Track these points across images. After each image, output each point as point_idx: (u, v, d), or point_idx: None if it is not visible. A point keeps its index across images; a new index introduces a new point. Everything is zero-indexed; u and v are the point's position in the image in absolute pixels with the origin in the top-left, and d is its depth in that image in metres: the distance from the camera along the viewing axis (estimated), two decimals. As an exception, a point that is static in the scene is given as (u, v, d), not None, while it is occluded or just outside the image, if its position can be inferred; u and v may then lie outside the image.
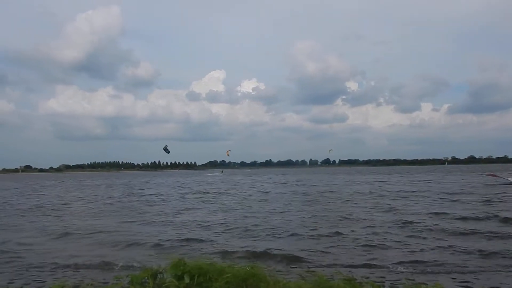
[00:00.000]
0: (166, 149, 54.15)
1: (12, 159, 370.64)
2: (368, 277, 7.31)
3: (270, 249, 10.25)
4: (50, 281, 7.87)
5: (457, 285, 7.35)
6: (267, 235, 12.67)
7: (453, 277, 7.84)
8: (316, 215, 16.90)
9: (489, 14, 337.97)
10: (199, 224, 15.25)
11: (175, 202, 25.08)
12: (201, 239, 12.05)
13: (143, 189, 42.56)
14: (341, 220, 15.43)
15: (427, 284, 6.61)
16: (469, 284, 7.37)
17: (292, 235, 12.53)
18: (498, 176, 38.53)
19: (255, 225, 14.57)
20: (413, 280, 7.43)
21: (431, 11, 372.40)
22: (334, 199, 24.56)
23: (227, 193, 32.90)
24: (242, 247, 10.72)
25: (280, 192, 31.68)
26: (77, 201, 28.17)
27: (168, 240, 11.96)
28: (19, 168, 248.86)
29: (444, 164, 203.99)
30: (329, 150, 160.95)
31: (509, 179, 37.42)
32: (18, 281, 8.22)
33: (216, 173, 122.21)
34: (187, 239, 12.00)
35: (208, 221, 15.87)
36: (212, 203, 23.82)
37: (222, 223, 15.31)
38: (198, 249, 10.71)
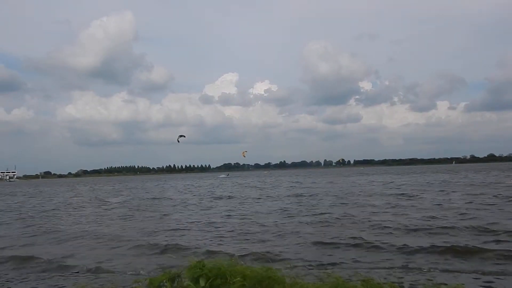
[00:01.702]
0: (180, 137, 56.46)
1: (32, 166, 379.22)
2: (386, 278, 7.23)
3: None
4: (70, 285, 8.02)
5: (480, 285, 7.22)
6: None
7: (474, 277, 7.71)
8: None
9: (506, 8, 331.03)
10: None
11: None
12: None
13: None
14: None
15: (447, 284, 6.52)
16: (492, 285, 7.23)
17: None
18: None
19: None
20: (432, 280, 7.33)
21: (446, 7, 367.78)
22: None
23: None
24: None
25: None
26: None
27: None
28: (39, 174, 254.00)
29: (452, 163, 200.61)
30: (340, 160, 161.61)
31: None
32: (42, 285, 8.41)
33: (223, 175, 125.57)
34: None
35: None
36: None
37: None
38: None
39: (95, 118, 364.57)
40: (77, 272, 9.35)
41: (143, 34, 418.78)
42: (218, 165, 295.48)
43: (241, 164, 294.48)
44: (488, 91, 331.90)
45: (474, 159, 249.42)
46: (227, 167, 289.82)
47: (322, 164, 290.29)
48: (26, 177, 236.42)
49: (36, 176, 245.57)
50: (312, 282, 5.74)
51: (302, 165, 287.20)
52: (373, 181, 51.43)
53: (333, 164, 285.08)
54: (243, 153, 71.37)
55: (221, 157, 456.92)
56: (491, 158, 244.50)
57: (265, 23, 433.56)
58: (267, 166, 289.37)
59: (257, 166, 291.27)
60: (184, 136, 58.55)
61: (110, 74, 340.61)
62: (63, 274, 9.21)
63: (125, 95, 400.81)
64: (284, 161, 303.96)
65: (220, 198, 31.25)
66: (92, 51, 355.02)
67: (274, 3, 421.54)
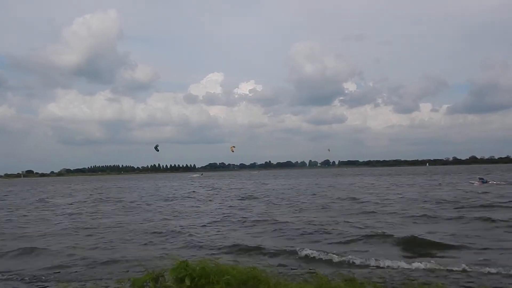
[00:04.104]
0: (156, 148, 60.26)
1: (13, 164, 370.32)
2: (368, 277, 7.32)
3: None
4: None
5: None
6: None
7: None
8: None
9: (489, 12, 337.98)
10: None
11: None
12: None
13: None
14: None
15: (429, 284, 6.63)
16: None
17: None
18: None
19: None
20: (415, 280, 7.45)
21: (433, 10, 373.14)
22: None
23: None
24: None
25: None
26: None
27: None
28: (20, 173, 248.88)
29: (426, 165, 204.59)
30: (328, 150, 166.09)
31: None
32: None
33: (196, 175, 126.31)
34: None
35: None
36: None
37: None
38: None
39: (78, 117, 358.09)
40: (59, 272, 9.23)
41: (128, 33, 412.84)
42: (204, 165, 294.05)
43: (226, 164, 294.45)
44: (471, 93, 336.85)
45: (456, 161, 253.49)
46: (212, 167, 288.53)
47: (308, 164, 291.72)
48: (7, 176, 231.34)
49: (18, 175, 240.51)
50: (296, 282, 5.78)
51: (288, 165, 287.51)
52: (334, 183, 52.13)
53: (318, 164, 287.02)
54: (231, 147, 70.54)
55: (207, 157, 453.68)
56: (473, 160, 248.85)
57: (252, 23, 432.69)
58: (253, 166, 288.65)
59: (242, 166, 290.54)
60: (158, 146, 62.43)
61: (93, 72, 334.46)
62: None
63: (109, 94, 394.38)
64: (269, 161, 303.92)
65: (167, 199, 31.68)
66: (76, 49, 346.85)
67: (262, 4, 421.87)
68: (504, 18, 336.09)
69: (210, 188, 46.95)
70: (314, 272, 6.46)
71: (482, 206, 19.33)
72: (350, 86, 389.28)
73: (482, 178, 39.08)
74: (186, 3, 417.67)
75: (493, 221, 14.22)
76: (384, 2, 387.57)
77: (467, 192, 28.73)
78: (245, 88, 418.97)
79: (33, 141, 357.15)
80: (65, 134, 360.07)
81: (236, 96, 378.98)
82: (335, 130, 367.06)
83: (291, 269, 8.57)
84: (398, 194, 28.55)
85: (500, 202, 20.61)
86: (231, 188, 45.86)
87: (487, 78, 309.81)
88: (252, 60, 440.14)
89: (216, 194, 35.35)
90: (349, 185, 43.77)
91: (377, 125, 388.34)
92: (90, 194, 41.25)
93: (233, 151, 71.19)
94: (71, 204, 29.42)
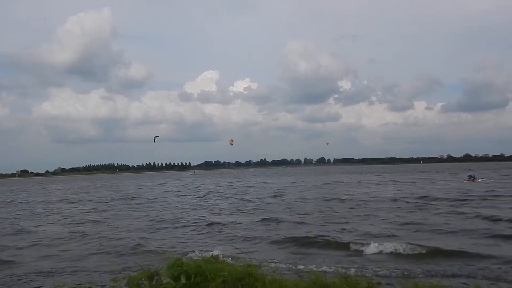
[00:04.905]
0: (154, 140, 62.23)
1: (8, 164, 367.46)
2: (363, 275, 7.36)
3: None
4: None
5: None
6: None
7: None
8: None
9: (485, 14, 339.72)
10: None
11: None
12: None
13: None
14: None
15: (423, 282, 6.67)
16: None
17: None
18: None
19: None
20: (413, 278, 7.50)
21: (428, 11, 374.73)
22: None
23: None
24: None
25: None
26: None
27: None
28: (15, 172, 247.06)
29: (420, 162, 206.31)
30: (326, 143, 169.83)
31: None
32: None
33: (189, 173, 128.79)
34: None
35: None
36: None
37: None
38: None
39: (73, 115, 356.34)
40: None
41: (122, 31, 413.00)
42: (199, 163, 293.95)
43: (221, 162, 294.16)
44: (464, 92, 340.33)
45: (450, 159, 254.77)
46: (207, 165, 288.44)
47: (303, 162, 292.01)
48: (2, 175, 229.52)
49: (13, 175, 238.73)
50: (291, 280, 5.80)
51: (283, 163, 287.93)
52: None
53: (313, 162, 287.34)
54: (230, 141, 70.53)
55: (202, 155, 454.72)
56: (467, 158, 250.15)
57: (248, 21, 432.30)
58: (248, 164, 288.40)
59: (237, 164, 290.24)
60: (159, 136, 62.83)
61: (88, 71, 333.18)
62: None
63: (103, 92, 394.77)
64: (265, 159, 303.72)
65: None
66: (70, 48, 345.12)
67: (257, 2, 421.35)
68: (498, 20, 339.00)
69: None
70: (310, 269, 6.48)
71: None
72: (344, 84, 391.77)
73: (471, 175, 40.23)
74: (180, 2, 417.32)
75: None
76: (379, 3, 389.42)
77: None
78: (240, 86, 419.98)
79: (28, 140, 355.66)
80: (59, 133, 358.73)
81: (231, 94, 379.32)
82: (329, 128, 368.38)
83: (288, 265, 8.60)
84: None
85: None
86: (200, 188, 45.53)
87: (480, 77, 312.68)
88: (247, 58, 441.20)
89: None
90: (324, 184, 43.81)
91: (371, 123, 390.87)
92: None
93: (231, 144, 71.38)
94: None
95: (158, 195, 35.23)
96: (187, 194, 35.64)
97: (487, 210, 16.61)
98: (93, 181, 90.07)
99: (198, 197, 31.39)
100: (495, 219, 14.10)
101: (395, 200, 22.41)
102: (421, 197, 23.47)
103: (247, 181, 59.98)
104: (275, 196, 28.77)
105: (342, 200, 23.31)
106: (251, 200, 25.88)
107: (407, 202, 20.97)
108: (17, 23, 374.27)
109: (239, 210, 20.65)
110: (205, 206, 23.81)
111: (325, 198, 25.07)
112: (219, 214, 19.65)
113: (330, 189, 35.28)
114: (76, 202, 30.39)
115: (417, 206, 19.27)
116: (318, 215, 17.34)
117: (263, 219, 16.28)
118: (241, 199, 27.50)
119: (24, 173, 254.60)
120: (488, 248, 9.97)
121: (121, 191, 44.48)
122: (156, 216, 19.25)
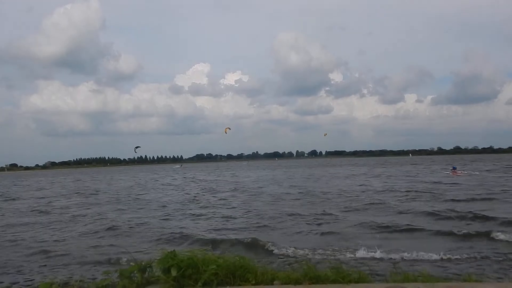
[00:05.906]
0: (135, 150, 71.91)
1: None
2: (355, 266, 7.43)
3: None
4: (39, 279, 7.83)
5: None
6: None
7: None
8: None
9: (472, 7, 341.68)
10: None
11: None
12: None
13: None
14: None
15: (414, 273, 6.75)
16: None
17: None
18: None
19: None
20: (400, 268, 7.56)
21: (418, 4, 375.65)
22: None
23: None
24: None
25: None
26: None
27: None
28: (4, 166, 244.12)
29: (409, 155, 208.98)
30: (324, 134, 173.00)
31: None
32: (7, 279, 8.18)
33: (177, 166, 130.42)
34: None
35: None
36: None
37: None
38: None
39: (62, 108, 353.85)
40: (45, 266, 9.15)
41: (110, 23, 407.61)
42: (191, 156, 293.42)
43: (213, 155, 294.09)
44: (454, 85, 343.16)
45: (441, 151, 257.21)
46: (199, 158, 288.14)
47: (295, 155, 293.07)
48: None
49: (2, 169, 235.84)
50: (283, 271, 5.83)
51: (275, 156, 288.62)
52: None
53: (305, 154, 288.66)
54: (225, 129, 70.22)
55: (194, 148, 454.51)
56: (457, 151, 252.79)
57: (238, 14, 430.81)
58: (240, 157, 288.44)
59: (229, 157, 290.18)
60: (139, 147, 72.53)
61: (76, 63, 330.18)
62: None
63: (92, 85, 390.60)
64: (256, 151, 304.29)
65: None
66: (57, 40, 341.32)
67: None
68: (489, 13, 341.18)
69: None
70: (302, 261, 6.52)
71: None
72: (336, 77, 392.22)
73: (454, 167, 42.05)
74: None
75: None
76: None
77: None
78: (231, 78, 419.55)
79: (16, 133, 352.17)
80: (49, 126, 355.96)
81: (222, 86, 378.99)
82: (321, 121, 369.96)
83: (278, 258, 8.64)
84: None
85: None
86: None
87: (469, 70, 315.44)
88: (238, 51, 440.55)
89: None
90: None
91: (363, 116, 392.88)
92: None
93: (226, 133, 71.18)
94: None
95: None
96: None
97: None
98: (69, 176, 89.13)
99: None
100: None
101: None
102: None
103: (222, 176, 58.21)
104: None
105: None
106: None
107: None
108: (2, 15, 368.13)
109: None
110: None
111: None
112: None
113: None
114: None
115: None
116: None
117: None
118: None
119: (13, 167, 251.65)
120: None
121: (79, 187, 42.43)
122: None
